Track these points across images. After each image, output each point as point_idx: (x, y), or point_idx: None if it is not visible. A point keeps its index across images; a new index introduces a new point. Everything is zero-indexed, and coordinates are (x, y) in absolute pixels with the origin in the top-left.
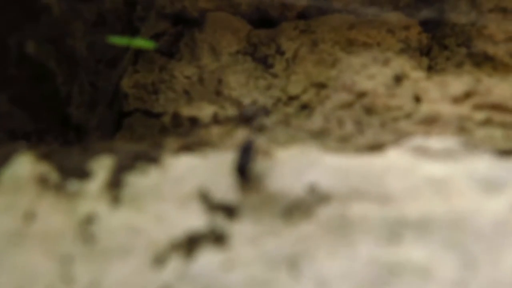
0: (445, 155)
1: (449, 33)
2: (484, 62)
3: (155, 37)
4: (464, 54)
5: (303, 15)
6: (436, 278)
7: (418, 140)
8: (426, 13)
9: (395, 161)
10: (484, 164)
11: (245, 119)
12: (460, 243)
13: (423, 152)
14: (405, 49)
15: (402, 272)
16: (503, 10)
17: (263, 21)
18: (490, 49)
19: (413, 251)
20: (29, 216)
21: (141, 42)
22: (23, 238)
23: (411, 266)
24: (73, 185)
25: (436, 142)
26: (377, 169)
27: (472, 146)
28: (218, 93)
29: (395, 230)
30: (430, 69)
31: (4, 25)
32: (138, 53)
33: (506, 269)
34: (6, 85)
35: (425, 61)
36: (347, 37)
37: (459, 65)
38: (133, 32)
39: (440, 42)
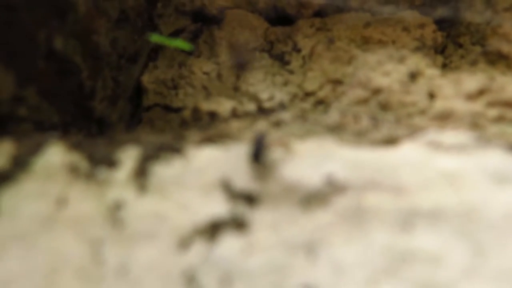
0: (458, 149)
1: (463, 32)
2: (498, 60)
3: (175, 33)
4: (479, 52)
5: (319, 13)
6: (446, 265)
7: (431, 135)
8: (441, 11)
9: (409, 155)
10: (495, 158)
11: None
12: (471, 232)
13: (436, 146)
14: (420, 47)
15: (414, 259)
16: None
17: (280, 18)
18: (505, 48)
19: (425, 240)
20: (61, 202)
21: (179, 43)
22: (56, 222)
23: (423, 254)
24: (102, 173)
25: (449, 136)
26: (392, 162)
27: (484, 141)
28: (236, 88)
29: (408, 220)
30: (445, 67)
31: (34, 22)
32: (158, 49)
33: None
34: (35, 78)
35: (439, 59)
36: (363, 34)
37: (473, 63)
38: (153, 28)
39: (455, 40)
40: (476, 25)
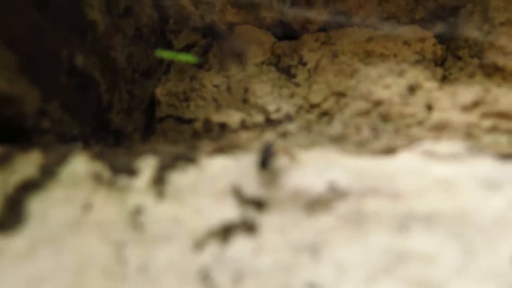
0: (452, 158)
1: (462, 45)
2: (494, 72)
3: (186, 48)
4: (476, 65)
5: (323, 28)
6: (439, 264)
7: (427, 145)
8: (441, 26)
9: (406, 163)
10: (486, 166)
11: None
12: (462, 234)
13: (432, 155)
14: (420, 60)
15: (410, 259)
16: None
17: (286, 33)
18: (500, 61)
19: (420, 241)
20: (86, 207)
21: (184, 57)
22: (82, 226)
23: (418, 254)
24: (123, 181)
25: (444, 146)
26: (390, 169)
27: (476, 150)
28: (245, 101)
29: (405, 223)
30: (444, 79)
31: (57, 40)
32: (170, 63)
33: (502, 258)
34: (58, 93)
35: (439, 71)
36: (366, 48)
37: (471, 76)
38: (166, 44)
39: (454, 53)
40: (474, 39)
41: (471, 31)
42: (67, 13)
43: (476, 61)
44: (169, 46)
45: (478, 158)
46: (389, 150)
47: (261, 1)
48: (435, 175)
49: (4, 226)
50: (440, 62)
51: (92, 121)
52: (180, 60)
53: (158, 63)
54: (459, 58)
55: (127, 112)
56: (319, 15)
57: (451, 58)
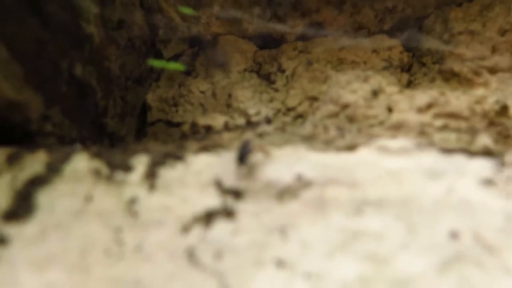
0: (402, 152)
1: (426, 53)
2: (452, 77)
3: (175, 57)
4: (436, 70)
5: (301, 37)
6: (388, 241)
7: (382, 141)
8: (407, 35)
9: (363, 157)
10: (430, 159)
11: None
12: (407, 216)
13: (385, 150)
14: (388, 67)
15: (363, 236)
16: (471, 33)
17: (267, 43)
18: (456, 67)
19: (372, 222)
20: (88, 199)
21: (173, 65)
22: (84, 214)
23: (370, 233)
24: (119, 176)
25: (396, 142)
26: (349, 163)
27: (423, 145)
28: (229, 105)
29: (359, 207)
30: (410, 83)
31: (58, 52)
32: (160, 71)
33: (440, 235)
34: (59, 100)
35: (405, 76)
36: (338, 56)
37: (432, 80)
38: (156, 53)
39: (419, 60)
40: (436, 47)
41: (433, 40)
42: (67, 28)
43: (437, 67)
44: (159, 55)
45: (424, 152)
46: (351, 147)
47: (243, 15)
48: (387, 166)
49: (17, 216)
50: (407, 68)
51: (89, 125)
52: (169, 68)
53: (149, 71)
54: (423, 65)
55: (121, 117)
56: (296, 26)
57: (416, 65)
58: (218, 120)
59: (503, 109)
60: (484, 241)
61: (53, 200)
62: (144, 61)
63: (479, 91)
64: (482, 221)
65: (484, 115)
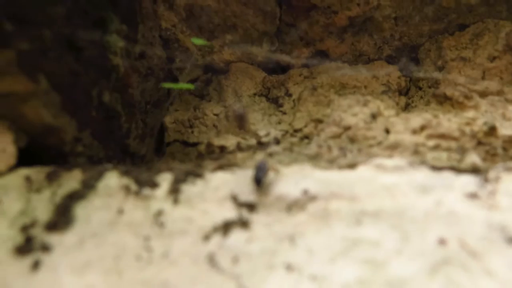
0: (396, 169)
1: (422, 77)
2: (445, 101)
3: (190, 82)
4: (431, 94)
5: (306, 64)
6: (383, 247)
7: (379, 160)
8: (404, 61)
9: (362, 174)
10: (421, 176)
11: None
12: (400, 226)
13: (382, 168)
14: (386, 91)
15: (362, 244)
16: (463, 59)
17: (275, 69)
18: (448, 91)
19: (369, 231)
20: (120, 211)
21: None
22: (117, 225)
23: (368, 240)
24: (147, 191)
25: (392, 161)
26: (350, 179)
27: (416, 163)
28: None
29: (358, 218)
30: (408, 106)
31: (89, 82)
32: (176, 95)
33: (430, 242)
34: (89, 124)
35: (403, 99)
36: (341, 81)
37: (427, 103)
38: (173, 79)
39: (416, 84)
40: (431, 72)
41: (428, 66)
42: (96, 60)
43: (432, 91)
44: (175, 81)
45: (416, 169)
46: (352, 165)
47: (252, 44)
48: (383, 182)
49: (57, 227)
50: (404, 92)
51: (114, 146)
52: (181, 89)
53: (166, 96)
54: (420, 88)
55: (141, 138)
56: (301, 54)
57: (413, 88)
58: (231, 141)
59: (491, 130)
60: (468, 247)
61: (89, 213)
62: (162, 87)
63: (470, 113)
64: (467, 230)
65: (473, 135)
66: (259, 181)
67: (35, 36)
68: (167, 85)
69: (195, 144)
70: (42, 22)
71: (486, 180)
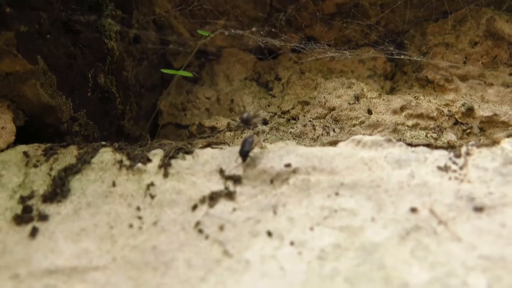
0: (374, 145)
1: (407, 62)
2: (427, 84)
3: (183, 68)
4: (414, 78)
5: (295, 49)
6: (359, 216)
7: (358, 137)
8: (390, 46)
9: (342, 150)
10: (397, 151)
11: (244, 122)
12: (375, 196)
13: (360, 144)
14: (372, 75)
15: (339, 213)
16: (446, 45)
17: (266, 54)
18: (430, 75)
19: (347, 202)
20: (113, 184)
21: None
22: (110, 196)
23: (345, 210)
24: (139, 166)
25: (370, 137)
26: (330, 154)
27: (392, 140)
28: (231, 109)
29: (337, 190)
30: (393, 90)
31: (85, 64)
32: (170, 80)
33: (402, 212)
34: (85, 104)
35: (388, 84)
36: (328, 66)
37: (411, 87)
38: (166, 64)
39: (401, 69)
40: (416, 57)
41: (412, 51)
42: (92, 43)
43: (416, 75)
44: (169, 66)
45: (392, 145)
46: (333, 142)
47: (243, 30)
48: (361, 157)
49: (54, 198)
50: (390, 77)
51: (109, 126)
52: (180, 75)
53: (160, 80)
54: (405, 73)
55: (135, 120)
56: (291, 40)
57: (398, 73)
58: (221, 122)
59: (469, 111)
60: (438, 215)
61: (84, 186)
62: (155, 71)
63: (450, 96)
64: (437, 199)
65: (451, 116)
66: (245, 155)
67: (33, 19)
68: (166, 71)
69: (187, 126)
70: (39, 6)
71: (458, 155)
